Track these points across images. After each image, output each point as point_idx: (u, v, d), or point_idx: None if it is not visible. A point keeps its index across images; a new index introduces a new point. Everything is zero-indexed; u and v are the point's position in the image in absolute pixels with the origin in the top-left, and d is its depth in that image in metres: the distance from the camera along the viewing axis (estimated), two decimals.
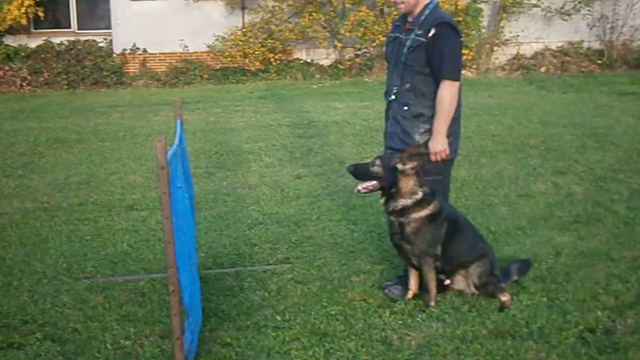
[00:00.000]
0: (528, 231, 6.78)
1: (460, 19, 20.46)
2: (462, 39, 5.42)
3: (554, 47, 21.54)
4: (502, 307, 5.08)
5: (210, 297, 5.41)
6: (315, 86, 19.79)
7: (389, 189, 5.14)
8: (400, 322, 4.95)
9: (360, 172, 5.26)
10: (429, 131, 5.29)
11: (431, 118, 5.28)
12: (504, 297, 5.15)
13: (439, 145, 5.25)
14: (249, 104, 16.28)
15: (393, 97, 5.44)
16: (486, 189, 8.36)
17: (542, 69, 21.12)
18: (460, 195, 8.08)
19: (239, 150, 11.06)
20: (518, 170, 9.16)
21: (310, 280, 5.74)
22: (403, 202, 5.13)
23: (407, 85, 5.33)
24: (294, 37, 21.05)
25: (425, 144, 5.30)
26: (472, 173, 9.08)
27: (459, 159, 9.66)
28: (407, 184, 5.09)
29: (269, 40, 21.07)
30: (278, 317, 5.07)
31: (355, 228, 7.03)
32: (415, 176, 5.10)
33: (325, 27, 21.19)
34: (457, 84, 5.25)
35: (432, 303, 5.13)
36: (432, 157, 5.27)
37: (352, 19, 20.19)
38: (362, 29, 20.30)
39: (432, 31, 5.20)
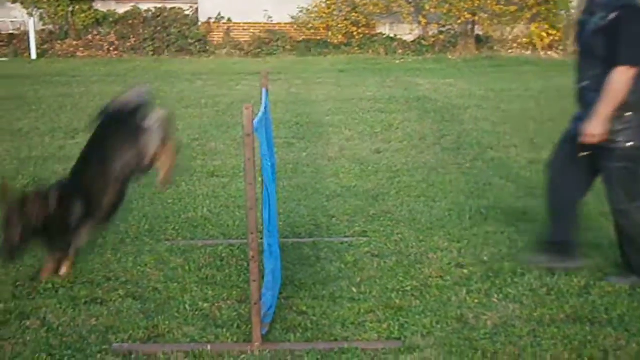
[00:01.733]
0: (609, 217, 6.60)
1: None
2: None
3: None
4: None
5: (288, 266, 5.46)
6: (397, 61, 19.69)
7: None
8: (476, 301, 4.91)
9: None
10: (626, 119, 4.97)
11: (626, 105, 4.95)
12: None
13: (593, 128, 4.95)
14: (330, 77, 16.30)
15: (584, 83, 5.16)
16: None
17: None
18: (541, 177, 7.92)
19: (319, 122, 11.10)
20: None
21: (386, 255, 5.74)
22: None
23: (595, 71, 5.04)
24: (378, 11, 20.97)
25: None
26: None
27: (542, 141, 9.54)
28: None
29: (353, 14, 21.04)
30: (354, 289, 5.09)
31: (434, 205, 6.99)
32: None
33: (410, 2, 21.04)
34: (632, 70, 4.89)
35: None
36: (584, 139, 5.04)
37: None
38: (447, 6, 20.10)
39: (614, 14, 4.91)
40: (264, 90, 5.46)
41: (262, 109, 4.91)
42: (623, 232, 5.25)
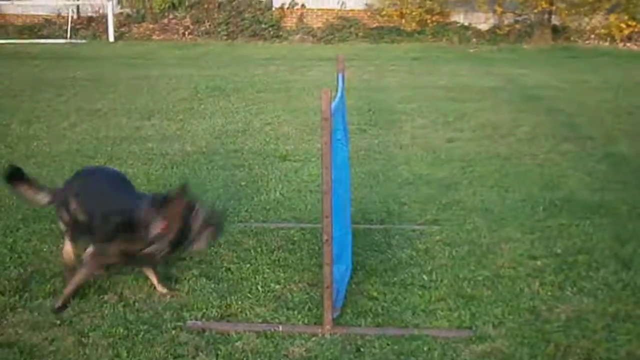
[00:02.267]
0: None
1: None
2: None
3: None
4: None
5: (358, 252, 5.48)
6: (471, 50, 19.49)
7: None
8: (549, 293, 4.85)
9: None
10: None
11: None
12: None
13: None
14: (402, 65, 16.23)
15: None
16: None
17: None
18: (617, 171, 7.81)
19: (391, 109, 11.07)
20: None
21: (458, 244, 5.70)
22: None
23: None
24: None
25: None
26: (634, 149, 8.73)
27: (618, 135, 9.37)
28: None
29: (427, 1, 20.88)
30: (425, 277, 5.08)
31: (507, 195, 6.92)
32: None
33: None
34: None
35: None
36: None
37: None
38: None
39: None
40: (340, 75, 5.47)
41: (339, 94, 4.92)
42: None
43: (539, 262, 5.34)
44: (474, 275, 5.12)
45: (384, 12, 21.22)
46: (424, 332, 4.30)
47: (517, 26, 21.08)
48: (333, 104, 4.29)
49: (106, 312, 4.51)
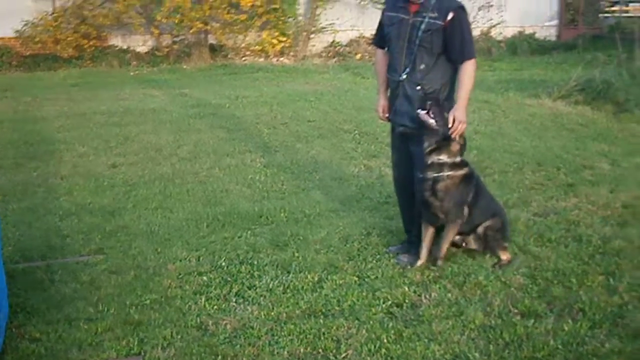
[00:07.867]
0: (341, 213, 6.96)
1: (277, 6, 20.69)
2: None
3: (368, 35, 22.17)
4: (498, 264, 5.58)
5: (18, 292, 5.20)
6: (132, 73, 19.38)
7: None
8: (215, 307, 4.96)
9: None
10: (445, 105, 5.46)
11: (443, 94, 5.47)
12: (504, 256, 5.65)
13: (462, 116, 5.38)
14: (61, 92, 15.70)
15: (404, 76, 5.53)
16: (302, 173, 8.51)
17: (357, 56, 21.72)
18: (276, 180, 8.20)
19: (50, 139, 10.65)
20: (332, 155, 9.39)
21: (124, 270, 5.64)
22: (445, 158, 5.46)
23: (422, 66, 5.46)
24: (108, 22, 20.50)
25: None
26: (288, 158, 9.21)
27: (275, 145, 9.87)
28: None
29: (82, 26, 20.41)
30: (90, 309, 4.95)
31: (172, 216, 6.97)
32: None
33: (141, 13, 20.76)
34: (475, 61, 5.44)
35: (441, 262, 5.57)
36: (456, 125, 5.39)
37: (168, 5, 19.84)
38: (179, 16, 20.05)
39: (450, 15, 5.34)
40: None
41: None
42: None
43: (204, 278, 5.46)
44: (142, 300, 5.09)
45: (37, 39, 20.36)
46: None
47: (176, 47, 21.33)
48: None
49: None
